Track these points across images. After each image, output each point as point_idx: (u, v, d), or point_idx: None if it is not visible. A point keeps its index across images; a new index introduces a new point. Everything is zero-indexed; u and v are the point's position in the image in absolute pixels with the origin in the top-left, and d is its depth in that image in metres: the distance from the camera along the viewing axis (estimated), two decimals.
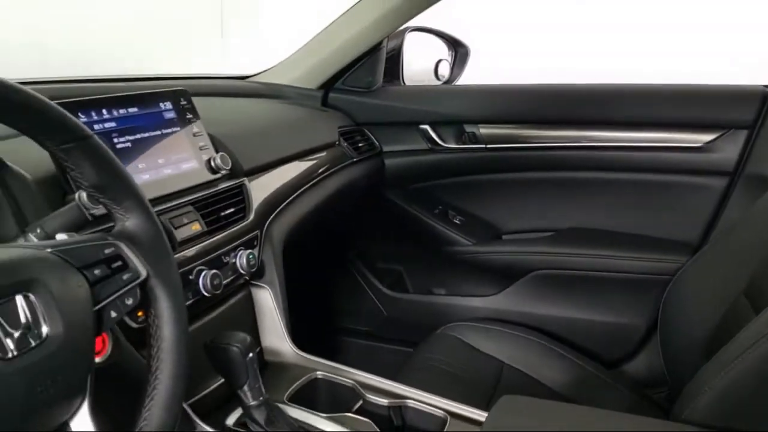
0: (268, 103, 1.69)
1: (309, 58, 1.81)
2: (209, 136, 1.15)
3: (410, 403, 1.06)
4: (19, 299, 0.55)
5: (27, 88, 0.61)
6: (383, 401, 1.07)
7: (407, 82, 1.96)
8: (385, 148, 1.87)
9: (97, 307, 0.63)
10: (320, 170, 1.55)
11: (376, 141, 1.86)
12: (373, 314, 1.99)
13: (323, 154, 1.59)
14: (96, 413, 0.63)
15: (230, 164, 1.15)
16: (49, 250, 0.62)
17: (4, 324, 0.54)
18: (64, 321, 0.58)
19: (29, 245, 0.64)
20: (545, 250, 1.81)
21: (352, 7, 1.74)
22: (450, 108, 1.85)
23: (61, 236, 0.68)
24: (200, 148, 1.12)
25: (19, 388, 0.53)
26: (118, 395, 0.73)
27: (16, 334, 0.54)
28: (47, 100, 0.63)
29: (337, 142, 1.67)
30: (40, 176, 0.84)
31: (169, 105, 1.08)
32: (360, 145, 1.77)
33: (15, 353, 0.54)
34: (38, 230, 0.70)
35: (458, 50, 2.17)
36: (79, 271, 0.62)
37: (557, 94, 1.77)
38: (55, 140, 0.64)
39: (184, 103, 1.12)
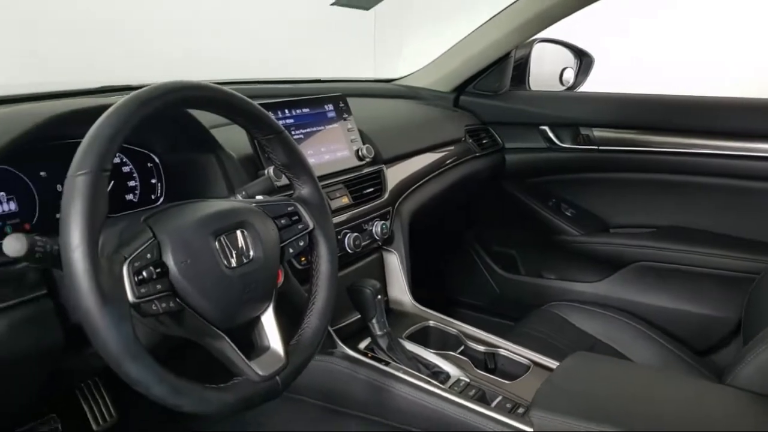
0: (407, 104, 1.98)
1: (445, 65, 2.08)
2: (359, 131, 1.46)
3: (501, 351, 1.32)
4: (239, 232, 0.87)
5: (242, 95, 0.93)
6: (480, 348, 1.33)
7: (533, 88, 2.17)
8: (507, 145, 2.11)
9: (282, 244, 0.94)
10: (447, 161, 1.81)
11: (499, 138, 2.10)
12: (485, 290, 2.23)
13: (451, 148, 1.86)
14: (275, 316, 0.94)
15: (373, 154, 1.45)
16: (254, 204, 0.94)
17: (230, 246, 0.85)
18: (264, 249, 0.89)
19: (241, 200, 0.97)
20: (647, 244, 1.98)
21: (485, 21, 1.99)
22: (569, 112, 2.05)
23: (258, 197, 1.00)
24: (351, 141, 1.43)
25: (238, 287, 0.85)
26: (284, 313, 1.03)
27: (235, 254, 0.86)
28: (258, 106, 0.94)
29: (463, 138, 1.93)
30: (242, 155, 1.17)
31: (331, 107, 1.40)
32: (484, 141, 2.02)
33: (235, 265, 0.85)
34: (243, 192, 1.02)
35: (583, 59, 2.34)
36: (272, 220, 0.94)
37: (664, 104, 1.93)
38: (262, 132, 0.95)
39: (342, 105, 1.43)
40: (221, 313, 0.82)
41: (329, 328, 1.23)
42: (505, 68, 2.07)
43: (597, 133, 2.01)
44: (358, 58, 2.48)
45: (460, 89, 2.11)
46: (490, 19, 1.96)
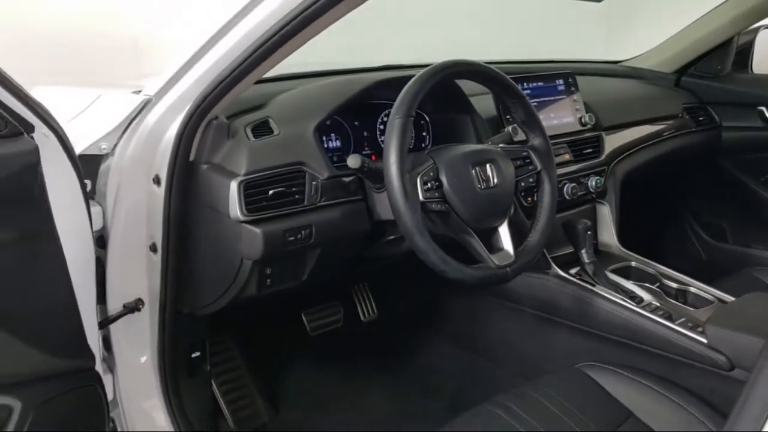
0: (629, 82, 2.18)
1: (669, 48, 2.24)
2: (583, 102, 1.72)
3: (692, 289, 1.52)
4: (488, 165, 1.20)
5: (497, 70, 1.25)
6: (674, 285, 1.55)
7: (755, 71, 2.24)
8: (724, 123, 2.21)
9: (516, 179, 1.26)
10: (663, 133, 2.00)
11: (716, 117, 2.21)
12: (691, 255, 2.36)
13: (668, 122, 2.04)
14: (509, 228, 1.26)
15: (594, 121, 1.71)
16: (498, 148, 1.27)
17: (481, 174, 1.19)
18: (504, 179, 1.21)
19: (490, 146, 1.30)
20: None
21: (713, 9, 2.11)
22: None
23: (502, 146, 1.33)
24: (576, 110, 1.70)
25: (485, 202, 1.18)
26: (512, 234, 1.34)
27: (484, 180, 1.19)
28: (508, 78, 1.26)
29: (680, 114, 2.09)
30: (488, 116, 1.51)
31: (561, 82, 1.69)
32: (701, 119, 2.16)
33: (484, 187, 1.19)
34: (489, 142, 1.36)
35: None
36: (511, 161, 1.26)
37: None
38: (509, 97, 1.28)
39: (571, 80, 1.71)
40: (473, 218, 1.17)
41: (546, 253, 1.53)
42: (728, 52, 2.18)
43: None
44: (590, 42, 2.69)
45: (682, 71, 2.25)
46: (717, 6, 2.09)
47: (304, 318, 1.89)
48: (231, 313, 1.36)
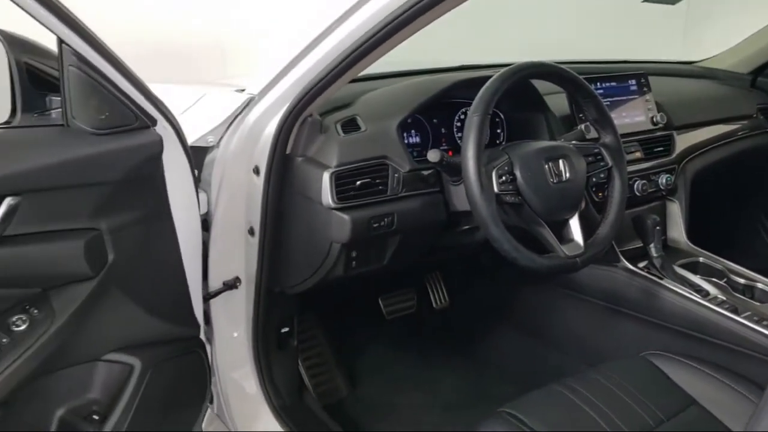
0: (703, 83, 2.18)
1: (745, 49, 2.23)
2: (655, 102, 1.75)
3: (759, 285, 1.54)
4: (561, 161, 1.26)
5: (571, 70, 1.31)
6: (741, 280, 1.57)
7: None
8: None
9: (587, 174, 1.32)
10: (737, 133, 2.00)
11: None
12: (763, 254, 2.33)
13: (742, 122, 2.04)
14: (579, 221, 1.31)
15: (666, 120, 1.74)
16: (570, 145, 1.33)
17: (554, 169, 1.25)
18: (575, 174, 1.27)
19: (563, 143, 1.36)
20: None
21: None
22: None
23: (574, 143, 1.38)
24: (648, 109, 1.74)
25: (557, 196, 1.24)
26: (582, 228, 1.39)
27: (557, 174, 1.25)
28: (581, 78, 1.32)
29: (754, 115, 2.08)
30: (561, 114, 1.56)
31: (633, 82, 1.73)
32: None
33: (556, 182, 1.25)
34: (562, 139, 1.42)
35: None
36: (583, 157, 1.32)
37: None
38: (582, 96, 1.34)
39: (643, 81, 1.75)
40: (545, 210, 1.24)
41: (615, 246, 1.58)
42: None
43: None
44: (666, 43, 2.68)
45: (758, 72, 2.23)
46: None
47: (380, 303, 1.99)
48: (316, 294, 1.47)
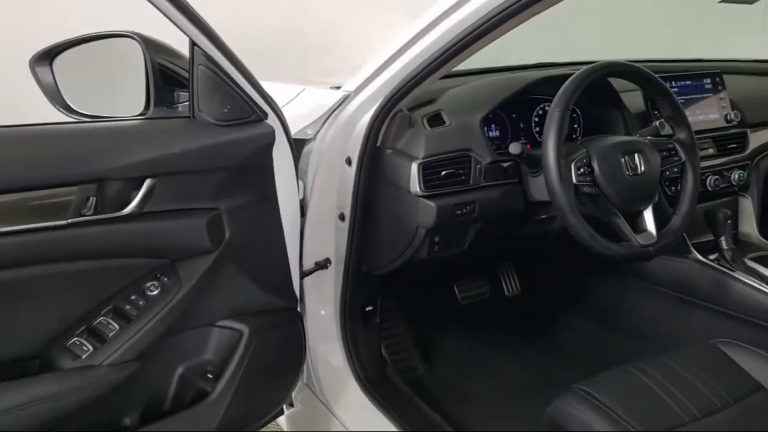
0: None
1: None
2: (730, 100, 1.78)
3: None
4: (636, 155, 1.32)
5: (647, 69, 1.36)
6: None
7: None
8: None
9: (661, 168, 1.37)
10: None
11: None
12: None
13: None
14: (653, 212, 1.37)
15: (740, 118, 1.76)
16: (646, 140, 1.38)
17: (630, 162, 1.30)
18: (650, 168, 1.32)
19: (638, 138, 1.41)
20: None
21: None
22: None
23: (649, 138, 1.43)
24: (722, 107, 1.76)
25: (632, 187, 1.30)
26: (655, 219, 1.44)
27: (632, 167, 1.30)
28: (657, 77, 1.37)
29: None
30: (637, 111, 1.61)
31: (708, 81, 1.76)
32: None
33: (631, 174, 1.30)
34: (638, 134, 1.46)
35: None
36: (657, 151, 1.37)
37: None
38: (657, 94, 1.39)
39: (718, 80, 1.77)
40: (620, 201, 1.30)
41: (687, 238, 1.62)
42: None
43: None
44: (744, 41, 2.66)
45: None
46: None
47: (455, 288, 2.08)
48: (398, 278, 1.57)
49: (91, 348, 1.02)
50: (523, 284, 2.17)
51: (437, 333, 1.99)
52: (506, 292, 2.16)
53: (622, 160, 1.30)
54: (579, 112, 1.61)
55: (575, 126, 1.62)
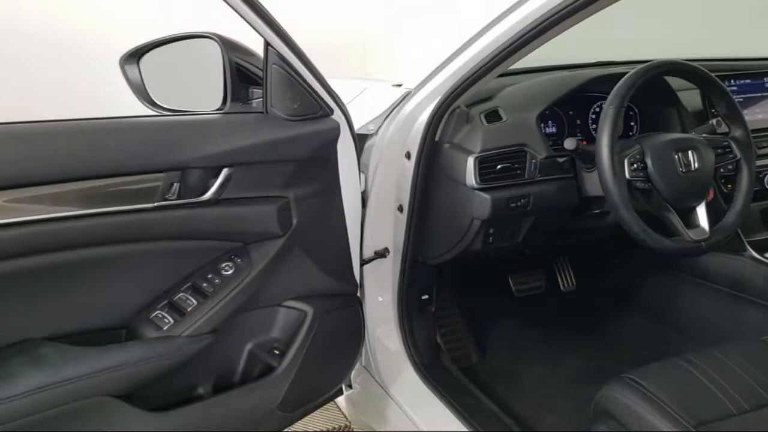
0: None
1: None
2: None
3: None
4: (690, 152, 1.34)
5: (704, 68, 1.38)
6: None
7: None
8: None
9: (715, 165, 1.38)
10: None
11: None
12: None
13: None
14: (705, 209, 1.38)
15: None
16: (701, 137, 1.39)
17: (683, 159, 1.32)
18: (704, 165, 1.34)
19: (693, 135, 1.42)
20: None
21: None
22: None
23: (705, 136, 1.44)
24: None
25: (686, 183, 1.32)
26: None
27: (685, 164, 1.32)
28: (713, 76, 1.38)
29: None
30: (694, 110, 1.62)
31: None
32: None
33: (685, 171, 1.32)
34: (693, 132, 1.48)
35: None
36: (712, 149, 1.38)
37: None
38: (714, 93, 1.40)
39: None
40: (673, 196, 1.32)
41: (742, 236, 1.62)
42: None
43: None
44: None
45: None
46: None
47: (510, 280, 2.12)
48: (453, 268, 1.62)
49: (171, 320, 1.11)
50: (578, 279, 2.19)
51: (491, 324, 2.04)
52: (561, 287, 2.18)
53: (676, 156, 1.32)
54: (636, 110, 1.63)
55: (632, 123, 1.64)
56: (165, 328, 1.11)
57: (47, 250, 0.97)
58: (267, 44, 1.12)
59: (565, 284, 2.19)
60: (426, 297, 1.69)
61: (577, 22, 1.10)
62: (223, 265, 1.18)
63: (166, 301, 1.13)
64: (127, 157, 1.02)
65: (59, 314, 1.03)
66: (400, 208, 1.51)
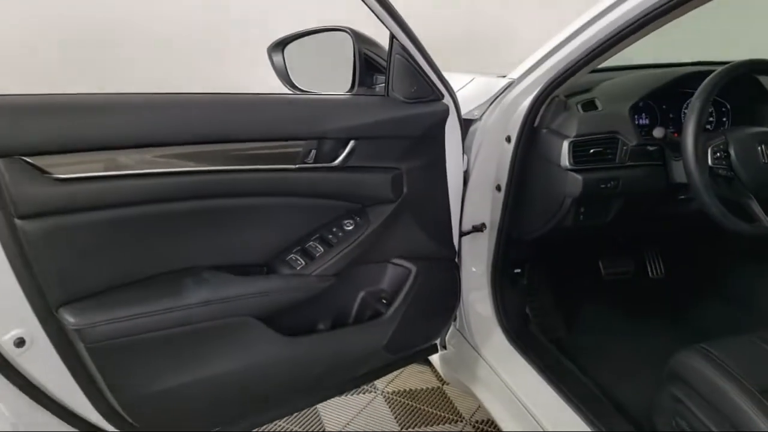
0: None
1: None
2: None
3: None
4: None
5: None
6: None
7: None
8: None
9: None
10: None
11: None
12: None
13: None
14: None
15: None
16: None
17: (765, 152, 1.42)
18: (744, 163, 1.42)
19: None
20: None
21: None
22: None
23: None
24: None
25: (767, 175, 1.42)
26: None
27: (766, 156, 1.42)
28: None
29: None
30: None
31: None
32: None
33: (766, 162, 1.42)
34: None
35: None
36: None
37: None
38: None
39: None
40: (754, 184, 1.41)
41: None
42: None
43: None
44: None
45: None
46: None
47: (600, 263, 2.23)
48: (547, 244, 1.76)
49: (303, 262, 1.34)
50: (668, 268, 2.27)
51: (579, 303, 2.16)
52: (650, 274, 2.27)
53: (759, 148, 1.41)
54: (728, 106, 1.72)
55: (723, 119, 1.72)
56: (298, 268, 1.33)
57: (214, 195, 1.22)
58: (392, 37, 1.32)
59: (655, 272, 2.27)
60: (518, 271, 1.84)
61: (670, 21, 1.22)
62: (345, 221, 1.39)
63: (299, 247, 1.36)
64: (279, 126, 1.25)
65: (218, 249, 1.27)
66: (498, 188, 1.67)
